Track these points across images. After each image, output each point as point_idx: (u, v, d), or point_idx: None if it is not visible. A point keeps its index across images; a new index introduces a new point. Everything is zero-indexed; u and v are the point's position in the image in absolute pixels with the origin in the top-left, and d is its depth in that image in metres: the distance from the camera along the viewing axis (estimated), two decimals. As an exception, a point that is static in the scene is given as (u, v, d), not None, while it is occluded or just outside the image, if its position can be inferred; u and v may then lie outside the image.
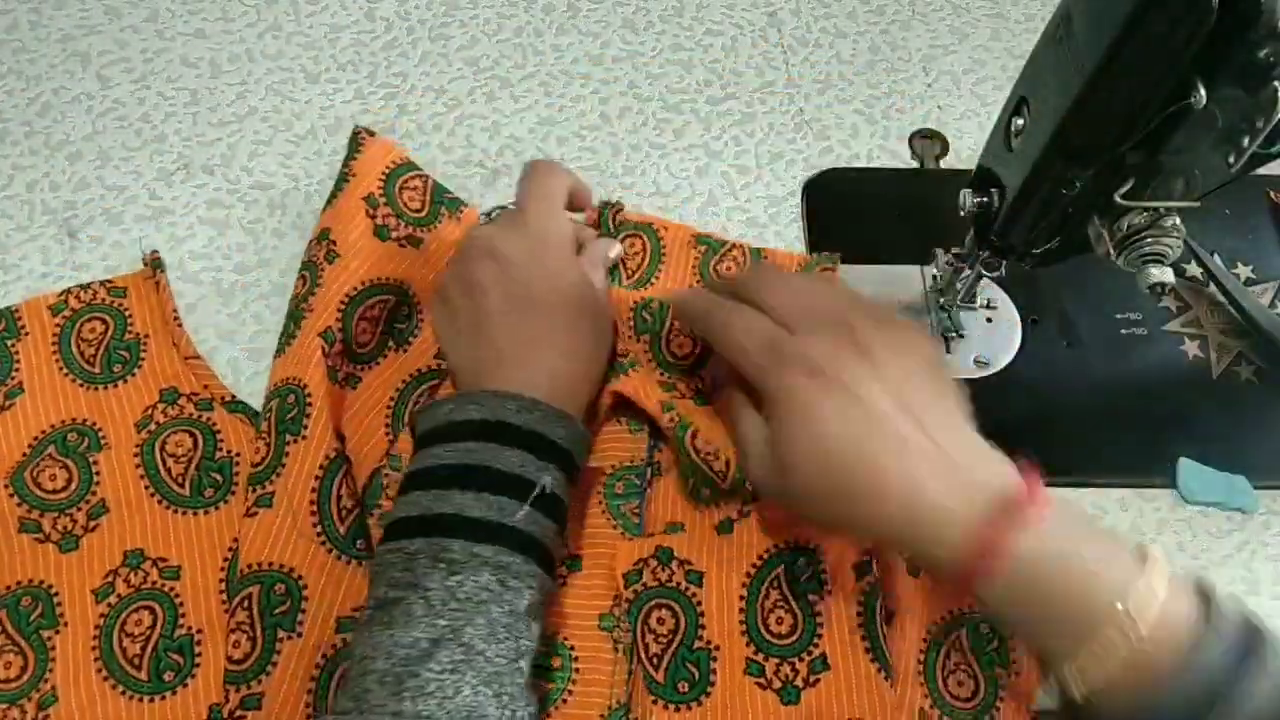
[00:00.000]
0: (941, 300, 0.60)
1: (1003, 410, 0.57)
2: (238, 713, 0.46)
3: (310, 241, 0.58)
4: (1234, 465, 0.56)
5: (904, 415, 0.41)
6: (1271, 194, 0.66)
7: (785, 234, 0.64)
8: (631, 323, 0.56)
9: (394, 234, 0.59)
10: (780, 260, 0.62)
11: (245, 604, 0.47)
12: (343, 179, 0.60)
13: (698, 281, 0.61)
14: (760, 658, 0.48)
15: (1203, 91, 0.40)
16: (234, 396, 0.55)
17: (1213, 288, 0.62)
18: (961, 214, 0.53)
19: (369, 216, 0.58)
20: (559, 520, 0.46)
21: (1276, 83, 0.39)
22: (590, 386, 0.52)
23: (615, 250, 0.60)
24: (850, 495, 0.41)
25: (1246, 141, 0.41)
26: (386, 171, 0.60)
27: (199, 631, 0.49)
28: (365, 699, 0.39)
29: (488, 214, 0.62)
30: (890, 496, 0.40)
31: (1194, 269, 0.63)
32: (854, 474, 0.41)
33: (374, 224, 0.58)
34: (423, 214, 0.60)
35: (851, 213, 0.65)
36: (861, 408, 0.41)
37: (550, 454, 0.46)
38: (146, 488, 0.52)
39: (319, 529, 0.49)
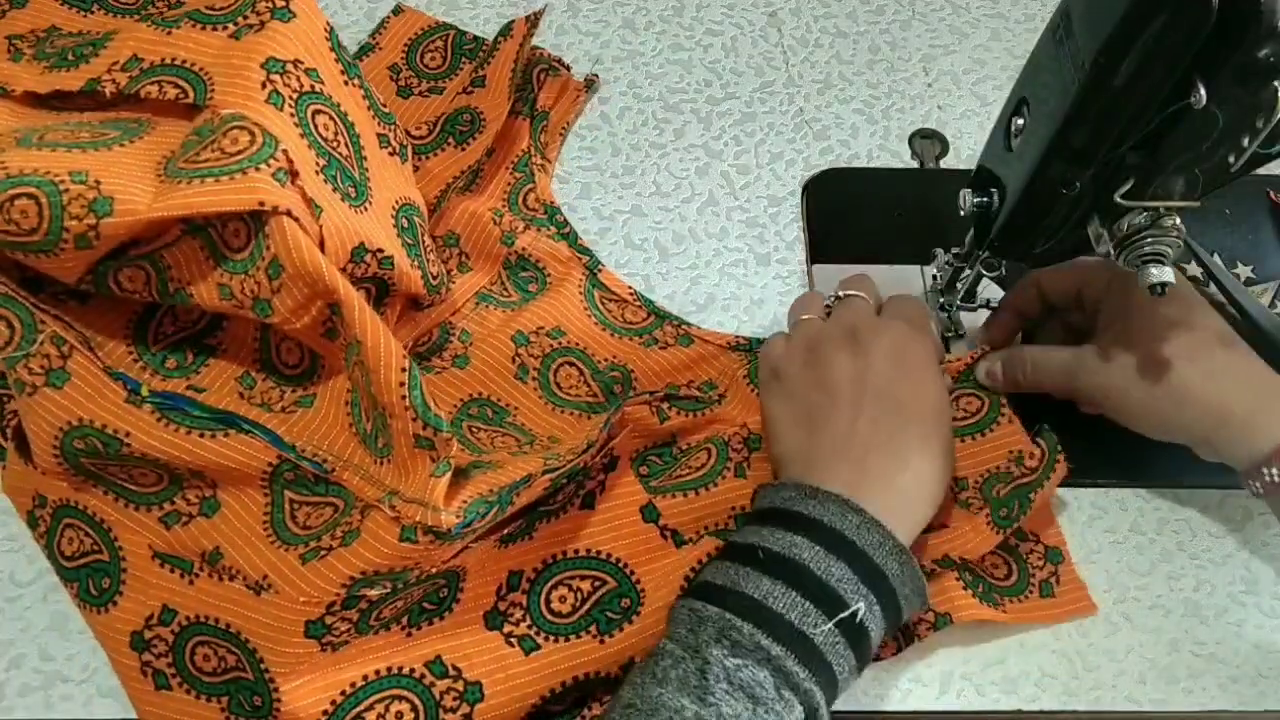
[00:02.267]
0: (942, 300, 0.60)
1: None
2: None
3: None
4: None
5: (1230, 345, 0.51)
6: (1271, 194, 0.66)
7: (785, 234, 0.64)
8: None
9: (416, 91, 0.67)
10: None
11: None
12: (365, 49, 0.68)
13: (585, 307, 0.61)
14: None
15: (1203, 91, 0.40)
16: None
17: (1213, 288, 0.62)
18: (961, 214, 0.53)
19: (392, 81, 0.67)
20: (859, 658, 0.43)
21: (1276, 83, 0.39)
22: (930, 511, 0.48)
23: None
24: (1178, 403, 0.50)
25: (1246, 141, 0.42)
26: (410, 41, 0.67)
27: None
28: None
29: (833, 298, 0.57)
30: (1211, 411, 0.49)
31: (1194, 269, 0.63)
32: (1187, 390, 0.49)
33: (397, 87, 0.67)
34: (443, 69, 0.68)
35: (851, 213, 0.65)
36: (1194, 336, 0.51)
37: (876, 586, 0.43)
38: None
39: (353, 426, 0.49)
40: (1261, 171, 0.45)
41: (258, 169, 0.45)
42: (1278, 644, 0.52)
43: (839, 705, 0.50)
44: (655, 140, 0.68)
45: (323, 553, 0.45)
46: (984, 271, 0.56)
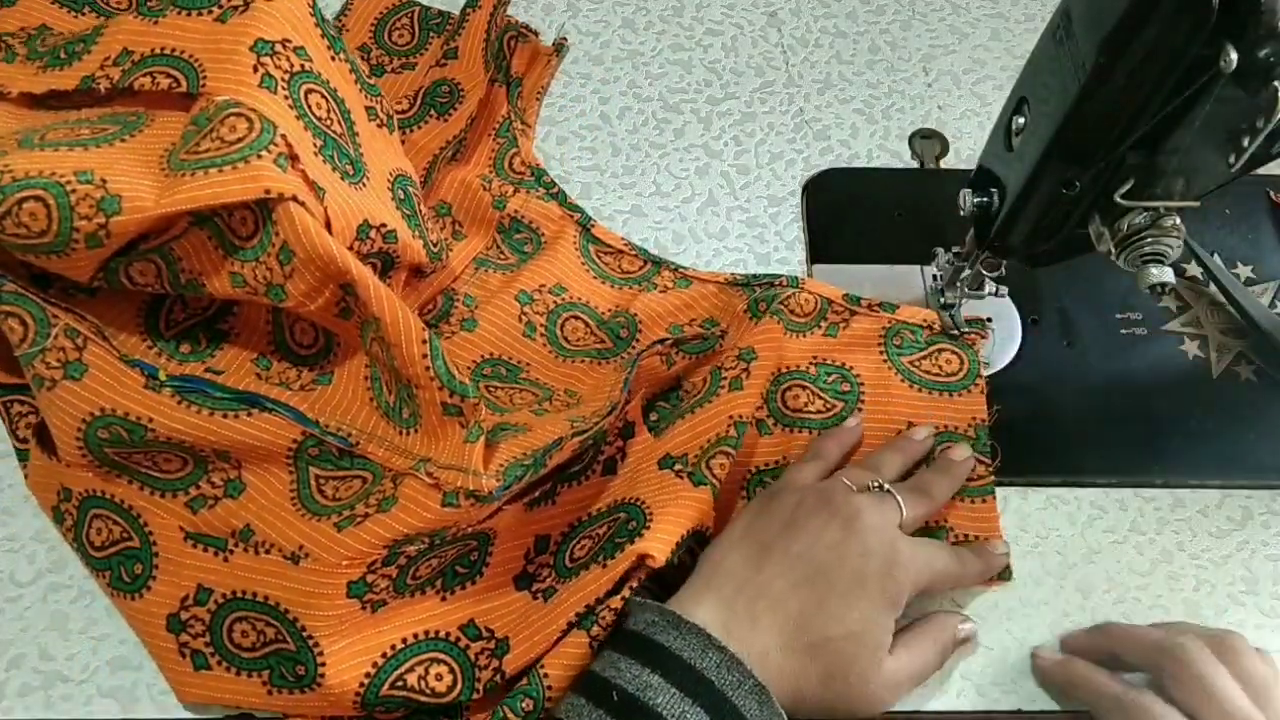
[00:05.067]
0: (943, 300, 0.60)
1: (1003, 410, 0.57)
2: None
3: None
4: (1234, 465, 0.56)
5: None
6: (1271, 194, 0.66)
7: (785, 234, 0.64)
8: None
9: (389, 69, 0.67)
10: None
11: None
12: None
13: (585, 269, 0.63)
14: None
15: (1234, 55, 0.38)
16: None
17: (1213, 288, 0.62)
18: (961, 214, 0.53)
19: (364, 61, 0.66)
20: None
21: (1276, 83, 0.39)
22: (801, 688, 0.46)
23: (962, 633, 0.51)
24: None
25: (1246, 141, 0.42)
26: (376, 20, 0.67)
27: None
28: None
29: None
30: None
31: (1194, 269, 0.63)
32: None
33: (369, 66, 0.67)
34: (412, 45, 0.68)
35: (851, 213, 0.65)
36: None
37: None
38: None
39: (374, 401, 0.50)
40: (1261, 171, 0.45)
41: (259, 156, 0.45)
42: (1278, 644, 0.52)
43: (839, 705, 0.50)
44: (655, 140, 0.68)
45: (358, 519, 0.46)
46: (984, 271, 0.56)
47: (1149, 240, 0.46)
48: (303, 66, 0.51)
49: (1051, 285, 0.62)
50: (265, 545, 0.47)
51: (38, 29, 0.56)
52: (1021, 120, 0.48)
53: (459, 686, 0.47)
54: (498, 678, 0.47)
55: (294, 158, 0.46)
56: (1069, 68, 0.43)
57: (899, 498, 0.49)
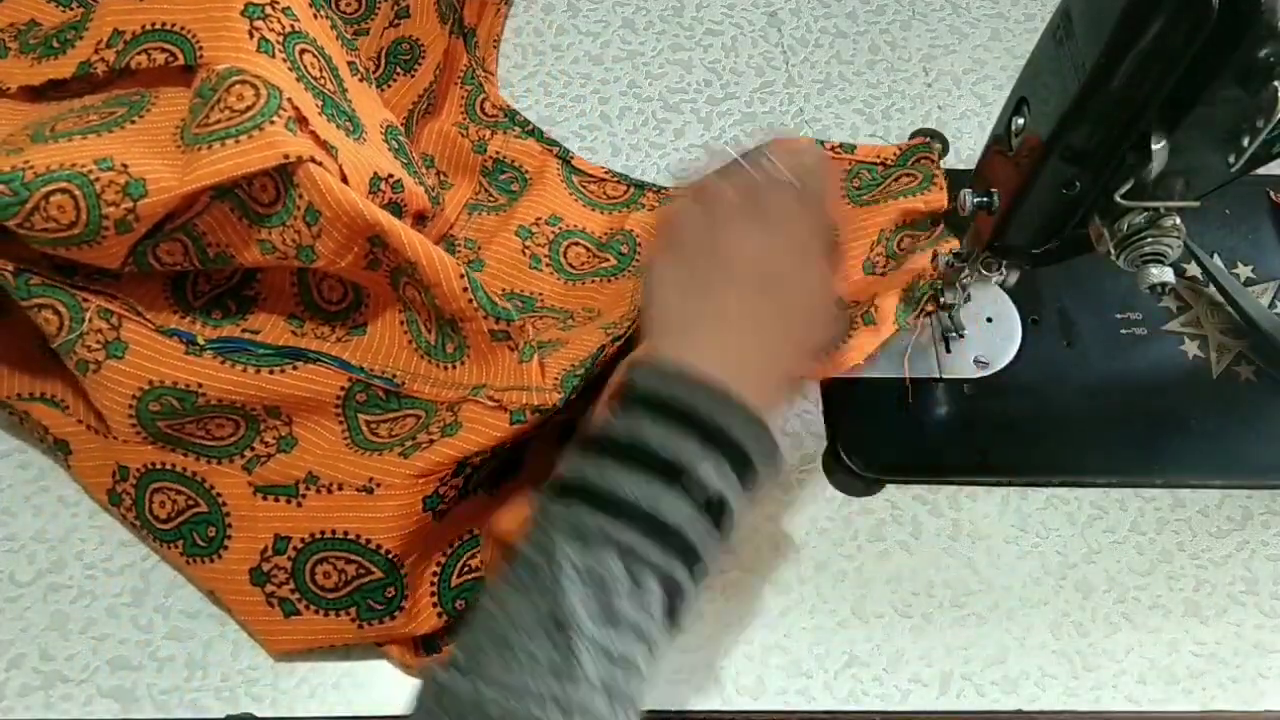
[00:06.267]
0: (943, 300, 0.60)
1: (1003, 410, 0.57)
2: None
3: None
4: (1234, 465, 0.56)
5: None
6: (1271, 194, 0.66)
7: (785, 234, 0.64)
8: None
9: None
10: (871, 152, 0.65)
11: None
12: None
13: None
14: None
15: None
16: None
17: (1213, 288, 0.62)
18: (961, 214, 0.53)
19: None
20: (727, 534, 0.42)
21: (1276, 83, 0.39)
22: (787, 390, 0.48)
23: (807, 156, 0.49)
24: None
25: (1246, 141, 0.42)
26: None
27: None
28: (477, 660, 0.38)
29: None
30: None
31: (1194, 269, 0.63)
32: None
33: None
34: (360, 12, 0.64)
35: (851, 213, 0.65)
36: None
37: (741, 465, 0.42)
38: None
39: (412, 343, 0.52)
40: (1261, 171, 0.45)
41: (270, 123, 0.45)
42: (1278, 644, 0.52)
43: (838, 706, 0.50)
44: (655, 140, 0.68)
45: (423, 445, 0.48)
46: (984, 271, 0.56)
47: (1149, 240, 0.46)
48: (293, 27, 0.51)
49: (1051, 285, 0.62)
50: (335, 485, 0.49)
51: (27, 24, 0.56)
52: (1021, 120, 0.48)
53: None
54: None
55: (302, 120, 0.47)
56: (1069, 68, 0.43)
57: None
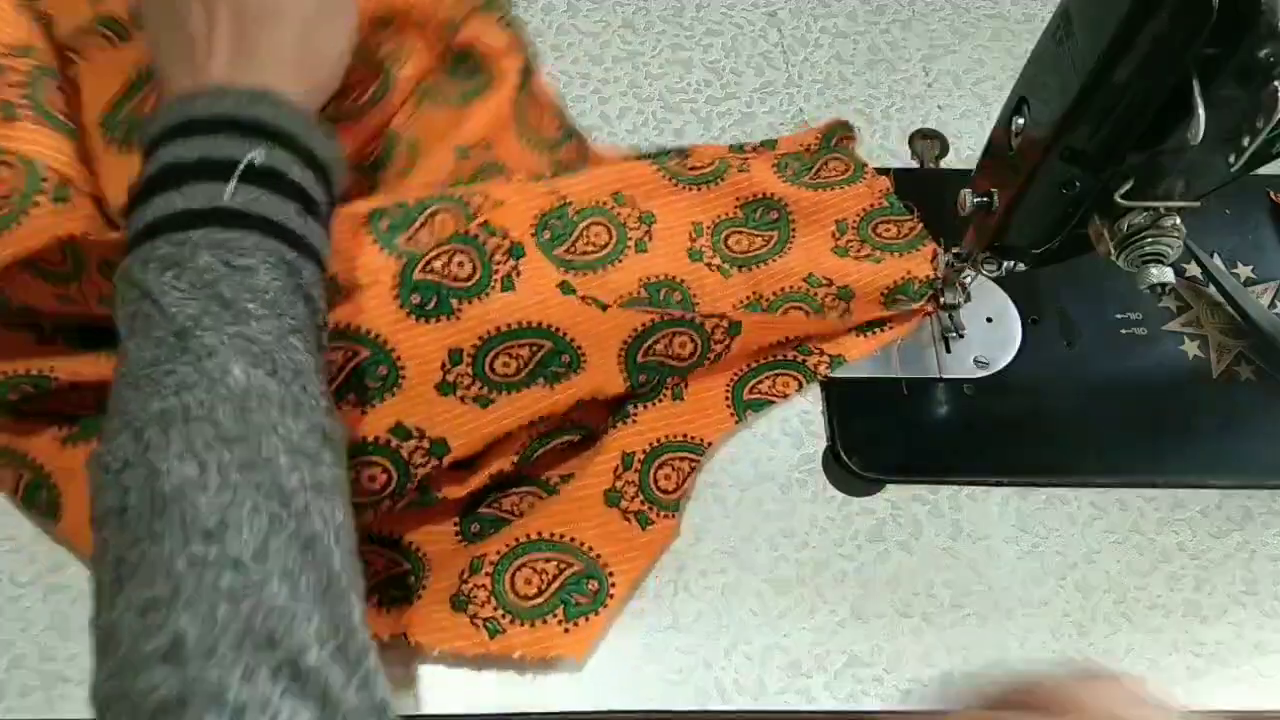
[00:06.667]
0: (942, 299, 0.60)
1: (1003, 410, 0.57)
2: None
3: None
4: (1234, 465, 0.56)
5: None
6: (1271, 194, 0.66)
7: (785, 234, 0.64)
8: None
9: None
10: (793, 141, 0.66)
11: None
12: None
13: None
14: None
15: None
16: None
17: (1213, 288, 0.62)
18: (961, 214, 0.53)
19: None
20: (291, 197, 0.42)
21: (1277, 83, 0.39)
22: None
23: None
24: None
25: (1246, 141, 0.42)
26: None
27: None
28: (126, 410, 0.37)
29: None
30: None
31: (1194, 269, 0.63)
32: None
33: None
34: None
35: (851, 213, 0.65)
36: None
37: (259, 134, 0.42)
38: None
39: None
40: (1261, 171, 0.45)
41: (36, 205, 0.45)
42: (1278, 644, 0.52)
43: (838, 706, 0.50)
44: (655, 140, 0.68)
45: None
46: (984, 271, 0.56)
47: (1149, 240, 0.46)
48: None
49: (1051, 285, 0.62)
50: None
51: None
52: (1021, 120, 0.48)
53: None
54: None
55: (69, 180, 0.46)
56: (1069, 68, 0.43)
57: None
